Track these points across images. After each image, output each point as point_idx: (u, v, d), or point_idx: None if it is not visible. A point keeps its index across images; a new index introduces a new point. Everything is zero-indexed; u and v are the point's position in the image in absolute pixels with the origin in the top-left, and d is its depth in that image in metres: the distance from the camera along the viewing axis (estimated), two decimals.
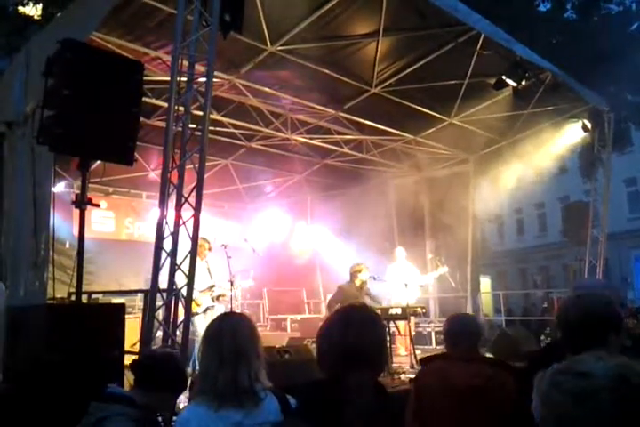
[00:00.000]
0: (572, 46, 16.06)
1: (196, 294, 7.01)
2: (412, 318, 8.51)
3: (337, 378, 1.95)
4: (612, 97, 9.53)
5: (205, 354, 2.24)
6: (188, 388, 4.15)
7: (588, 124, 9.45)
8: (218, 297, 7.57)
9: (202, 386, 2.16)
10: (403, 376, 6.62)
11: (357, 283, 8.24)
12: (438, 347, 9.94)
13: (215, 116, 8.59)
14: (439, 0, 6.55)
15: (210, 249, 7.75)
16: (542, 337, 10.20)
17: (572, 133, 9.76)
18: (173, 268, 4.74)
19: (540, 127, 9.70)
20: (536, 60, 7.97)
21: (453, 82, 8.26)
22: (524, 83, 7.94)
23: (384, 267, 9.27)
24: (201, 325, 6.92)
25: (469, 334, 3.15)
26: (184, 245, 4.87)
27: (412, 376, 6.35)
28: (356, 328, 1.99)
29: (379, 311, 7.68)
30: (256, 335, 2.30)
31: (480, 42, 7.26)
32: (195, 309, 7.02)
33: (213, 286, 7.51)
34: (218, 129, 9.12)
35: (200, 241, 7.41)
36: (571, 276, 14.94)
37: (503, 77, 7.89)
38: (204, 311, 7.31)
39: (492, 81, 8.07)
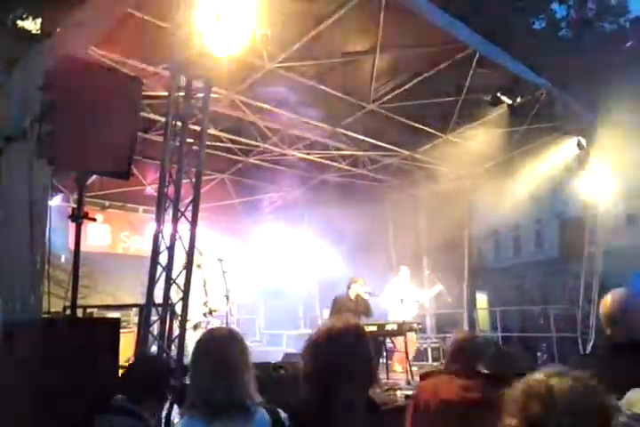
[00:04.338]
0: (567, 64, 16.25)
1: None
2: (413, 334, 8.51)
3: (324, 396, 1.93)
4: (606, 114, 9.60)
5: (196, 368, 2.23)
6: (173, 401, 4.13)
7: (583, 141, 9.52)
8: (210, 312, 7.35)
9: (193, 400, 2.15)
10: (398, 393, 6.59)
11: (352, 295, 8.25)
12: (435, 363, 9.90)
13: (213, 131, 8.63)
14: (436, 18, 6.64)
15: (201, 254, 7.52)
16: (539, 354, 10.17)
17: (567, 150, 9.82)
18: (169, 282, 4.74)
19: (536, 144, 9.76)
20: (531, 78, 8.05)
21: (449, 99, 8.32)
22: (519, 100, 8.02)
23: (380, 282, 9.27)
24: (190, 341, 6.71)
25: (468, 350, 3.18)
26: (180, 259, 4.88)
27: (408, 393, 6.37)
28: (338, 345, 1.98)
29: (375, 327, 7.72)
30: (246, 349, 2.30)
31: (476, 59, 7.33)
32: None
33: (206, 302, 7.28)
34: (215, 144, 9.15)
35: None
36: (567, 293, 14.91)
37: (499, 95, 7.96)
38: (194, 327, 7.05)
39: (488, 98, 8.14)
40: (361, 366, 1.97)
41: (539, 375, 1.37)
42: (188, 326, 6.89)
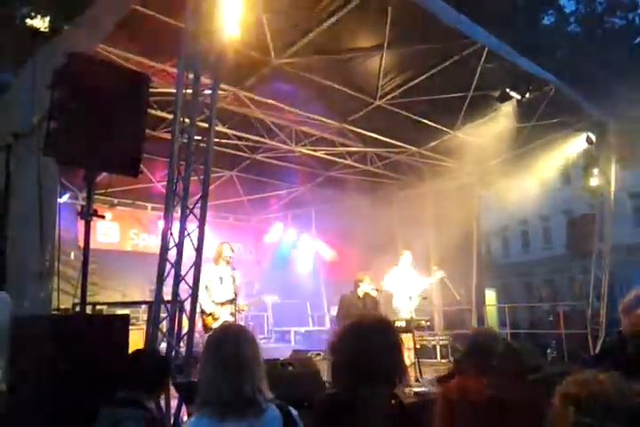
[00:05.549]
0: (576, 59, 16.15)
1: (212, 308, 6.67)
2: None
3: (352, 391, 1.89)
4: (615, 110, 9.54)
5: (207, 365, 2.21)
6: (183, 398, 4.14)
7: (593, 137, 9.46)
8: (239, 311, 7.01)
9: (205, 397, 2.14)
10: (407, 390, 6.56)
11: (360, 293, 8.22)
12: (443, 360, 9.87)
13: (220, 128, 8.62)
14: (443, 14, 6.60)
15: (232, 250, 7.22)
16: (548, 351, 10.12)
17: (576, 146, 9.76)
18: (177, 279, 4.75)
19: (545, 140, 9.71)
20: (540, 74, 8.00)
21: (457, 95, 8.28)
22: (527, 96, 7.97)
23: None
24: None
25: (487, 348, 3.14)
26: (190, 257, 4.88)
27: (417, 390, 6.35)
28: (369, 340, 1.94)
29: None
30: (257, 346, 2.29)
31: (484, 55, 7.29)
32: (211, 323, 6.67)
33: (234, 300, 6.87)
34: (222, 141, 9.15)
35: (219, 247, 7.16)
36: (576, 289, 14.86)
37: (507, 90, 7.92)
38: None
39: (496, 94, 8.10)
40: (388, 361, 1.92)
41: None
42: (215, 325, 6.71)
